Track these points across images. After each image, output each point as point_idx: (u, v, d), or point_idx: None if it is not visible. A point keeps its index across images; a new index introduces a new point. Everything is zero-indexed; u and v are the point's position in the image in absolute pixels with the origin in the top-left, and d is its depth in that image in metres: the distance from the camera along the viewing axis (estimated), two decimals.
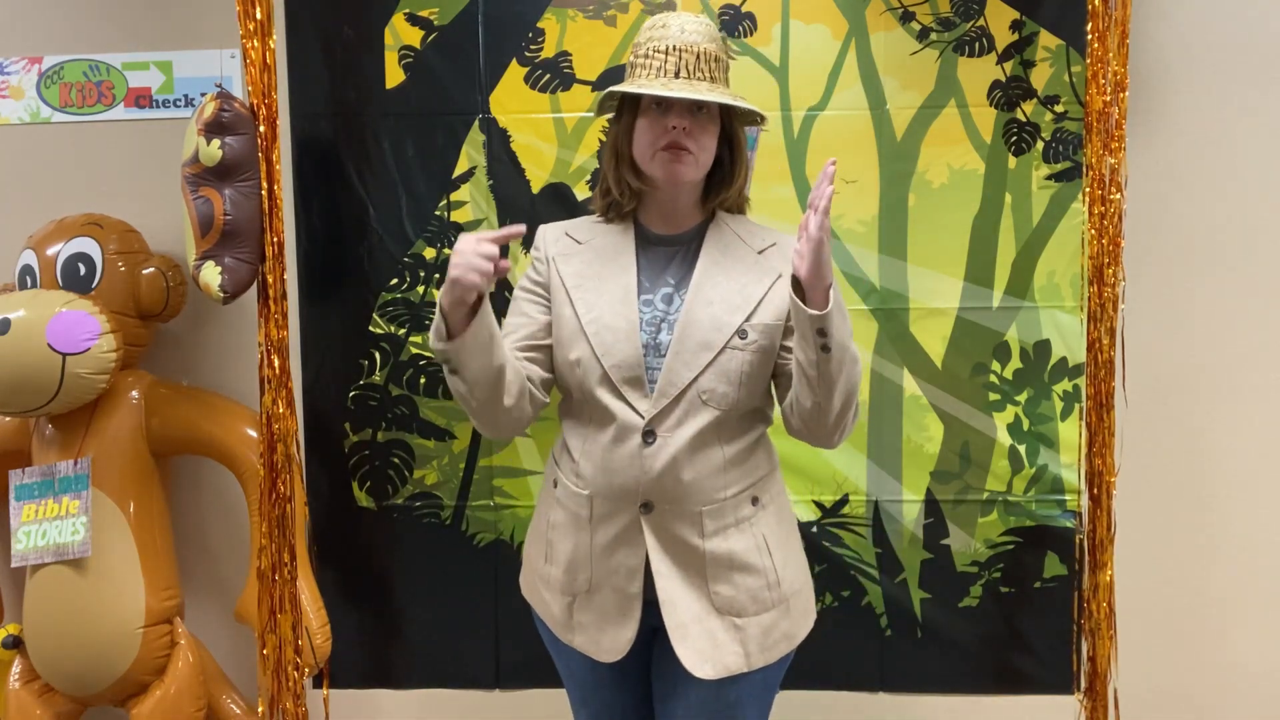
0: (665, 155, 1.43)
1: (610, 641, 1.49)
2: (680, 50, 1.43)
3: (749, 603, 1.48)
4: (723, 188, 1.53)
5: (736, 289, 1.47)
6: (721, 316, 1.44)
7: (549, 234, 1.59)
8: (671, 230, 1.53)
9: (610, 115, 1.57)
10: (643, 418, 1.43)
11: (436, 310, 1.37)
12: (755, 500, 1.50)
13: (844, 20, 2.23)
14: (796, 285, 1.34)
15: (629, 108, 1.50)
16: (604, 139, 1.58)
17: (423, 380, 2.35)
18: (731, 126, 1.51)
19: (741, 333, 1.44)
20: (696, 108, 1.44)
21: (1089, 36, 2.09)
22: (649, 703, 1.59)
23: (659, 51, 1.43)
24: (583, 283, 1.50)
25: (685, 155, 1.43)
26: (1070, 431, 2.28)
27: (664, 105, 1.44)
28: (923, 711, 2.36)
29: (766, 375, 1.49)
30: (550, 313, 1.53)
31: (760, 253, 1.51)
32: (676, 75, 1.42)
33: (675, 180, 1.46)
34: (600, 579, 1.49)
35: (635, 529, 1.46)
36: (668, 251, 1.53)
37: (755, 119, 1.53)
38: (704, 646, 1.46)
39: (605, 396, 1.45)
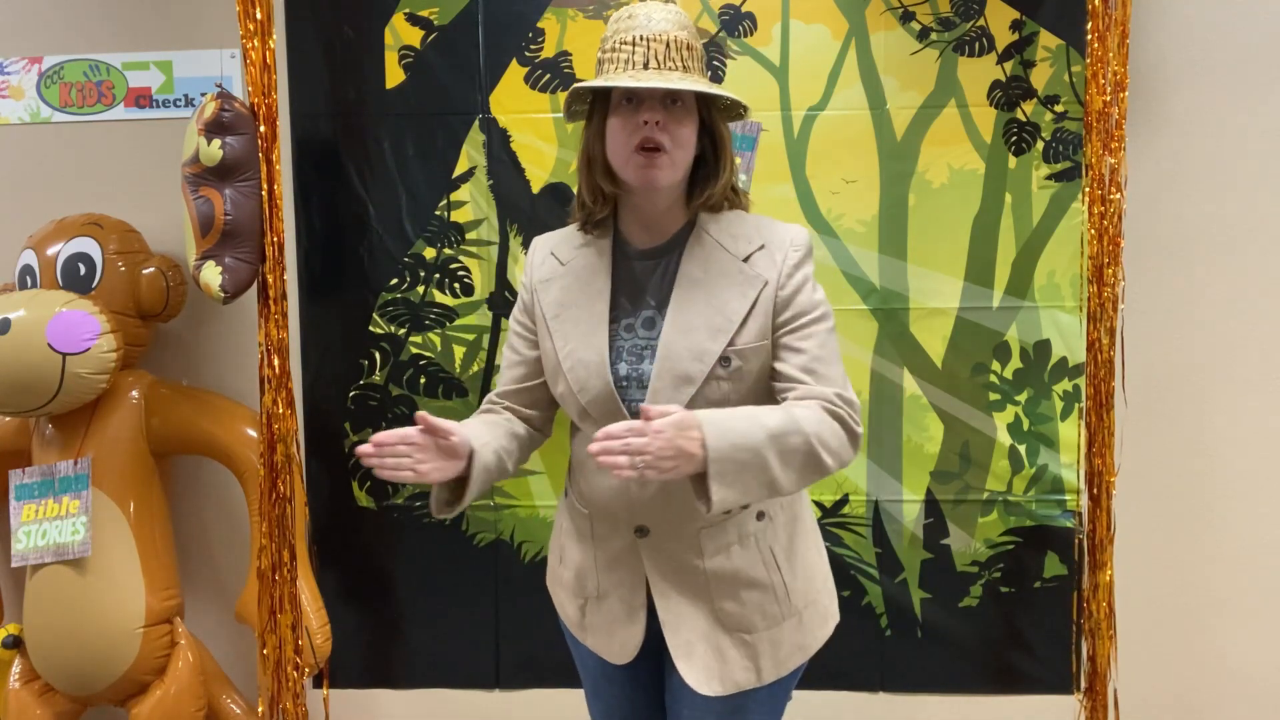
0: (639, 159, 1.33)
1: (620, 645, 1.48)
2: (649, 40, 1.33)
3: (758, 618, 1.44)
4: (707, 185, 1.41)
5: (717, 308, 1.36)
6: (703, 344, 1.35)
7: (535, 256, 1.52)
8: (654, 240, 1.43)
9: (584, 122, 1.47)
10: None
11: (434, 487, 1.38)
12: (761, 515, 1.44)
13: (844, 20, 2.23)
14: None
15: (600, 107, 1.39)
16: None
17: (423, 380, 2.35)
18: (712, 119, 1.40)
19: (724, 360, 1.35)
20: (670, 100, 1.34)
21: (1089, 36, 2.09)
22: (661, 700, 1.58)
23: (626, 43, 1.34)
24: (561, 312, 1.44)
25: (659, 158, 1.33)
26: (1070, 431, 2.28)
27: (635, 100, 1.34)
28: (923, 711, 2.36)
29: (759, 393, 1.40)
30: (539, 348, 1.49)
31: (745, 259, 1.39)
32: (646, 66, 1.33)
33: (651, 185, 1.36)
34: (607, 588, 1.48)
35: (633, 551, 1.44)
36: (649, 267, 1.43)
37: (738, 110, 1.42)
38: (711, 663, 1.43)
39: (590, 428, 1.40)
